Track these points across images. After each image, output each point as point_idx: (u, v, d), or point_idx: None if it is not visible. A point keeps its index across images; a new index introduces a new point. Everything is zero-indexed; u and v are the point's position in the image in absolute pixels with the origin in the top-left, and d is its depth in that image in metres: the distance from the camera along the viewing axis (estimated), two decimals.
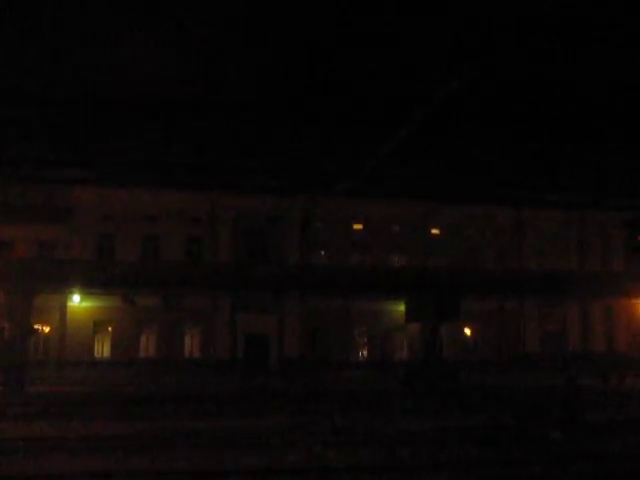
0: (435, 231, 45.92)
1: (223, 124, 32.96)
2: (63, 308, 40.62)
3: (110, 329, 41.61)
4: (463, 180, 27.45)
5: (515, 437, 16.17)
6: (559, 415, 17.12)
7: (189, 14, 15.96)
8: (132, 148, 39.28)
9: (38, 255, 40.10)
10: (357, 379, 34.33)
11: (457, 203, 39.81)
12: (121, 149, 39.36)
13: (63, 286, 35.65)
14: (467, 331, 46.59)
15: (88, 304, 40.34)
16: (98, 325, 41.44)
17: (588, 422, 17.83)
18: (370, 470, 12.86)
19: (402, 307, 37.79)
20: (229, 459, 13.45)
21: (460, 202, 38.66)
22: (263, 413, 21.16)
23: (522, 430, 16.71)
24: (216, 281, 38.98)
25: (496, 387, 27.81)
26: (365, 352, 44.33)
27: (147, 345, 42.19)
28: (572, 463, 14.19)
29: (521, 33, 10.87)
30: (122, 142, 38.53)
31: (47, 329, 40.32)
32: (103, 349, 41.89)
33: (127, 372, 37.51)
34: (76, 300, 39.80)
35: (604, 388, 30.29)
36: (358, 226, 44.66)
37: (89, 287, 36.16)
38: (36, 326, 34.79)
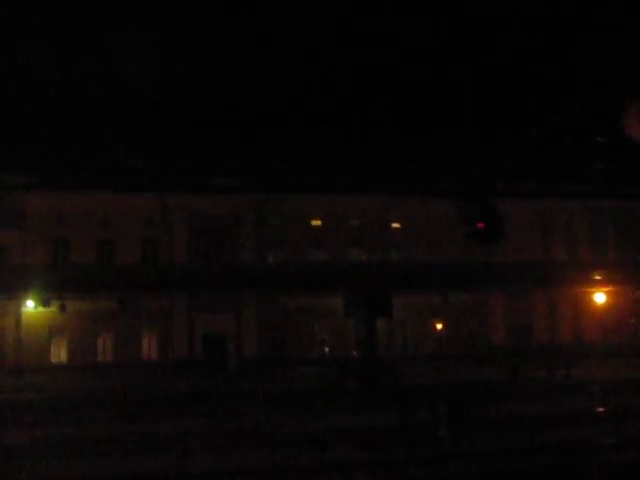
0: (396, 225, 45.45)
1: (175, 124, 32.60)
2: (18, 314, 40.34)
3: (66, 334, 41.26)
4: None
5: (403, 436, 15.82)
6: (451, 413, 16.70)
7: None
8: (81, 151, 38.96)
9: None
10: (304, 377, 33.82)
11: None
12: (69, 153, 39.03)
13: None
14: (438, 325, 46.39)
15: (43, 309, 39.90)
16: (54, 330, 41.06)
17: (484, 418, 17.47)
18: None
19: None
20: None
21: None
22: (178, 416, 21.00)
23: (412, 429, 16.36)
24: (170, 282, 38.83)
25: (433, 384, 27.35)
26: (327, 349, 43.90)
27: (104, 349, 41.84)
28: (445, 463, 13.86)
29: None
30: (70, 145, 38.21)
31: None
32: (60, 354, 41.56)
33: (81, 377, 37.21)
34: (30, 305, 39.41)
35: (547, 381, 29.93)
36: (317, 222, 44.21)
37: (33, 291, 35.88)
38: None
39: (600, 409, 21.01)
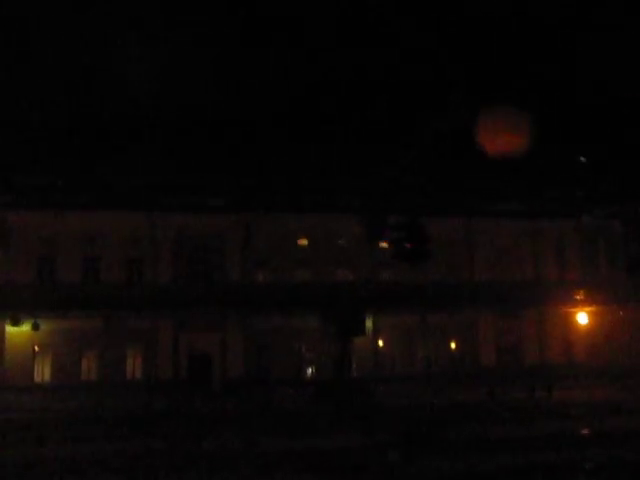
0: (384, 245, 45.08)
1: (162, 143, 32.46)
2: (1, 332, 40.14)
3: (50, 352, 40.97)
4: None
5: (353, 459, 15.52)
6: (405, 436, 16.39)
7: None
8: (67, 170, 38.94)
9: None
10: (285, 398, 33.48)
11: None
12: (54, 172, 39.01)
13: None
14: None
15: (27, 328, 39.69)
16: (38, 349, 40.79)
17: (442, 440, 17.14)
18: None
19: None
20: None
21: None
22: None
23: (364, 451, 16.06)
24: (156, 300, 38.85)
25: (406, 405, 26.97)
26: (314, 369, 43.43)
27: (89, 368, 41.52)
28: None
29: None
30: (54, 164, 38.15)
31: None
32: (44, 373, 41.25)
33: (62, 396, 36.87)
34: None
35: (526, 402, 29.51)
36: (303, 241, 43.97)
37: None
38: None
39: (572, 431, 20.61)
